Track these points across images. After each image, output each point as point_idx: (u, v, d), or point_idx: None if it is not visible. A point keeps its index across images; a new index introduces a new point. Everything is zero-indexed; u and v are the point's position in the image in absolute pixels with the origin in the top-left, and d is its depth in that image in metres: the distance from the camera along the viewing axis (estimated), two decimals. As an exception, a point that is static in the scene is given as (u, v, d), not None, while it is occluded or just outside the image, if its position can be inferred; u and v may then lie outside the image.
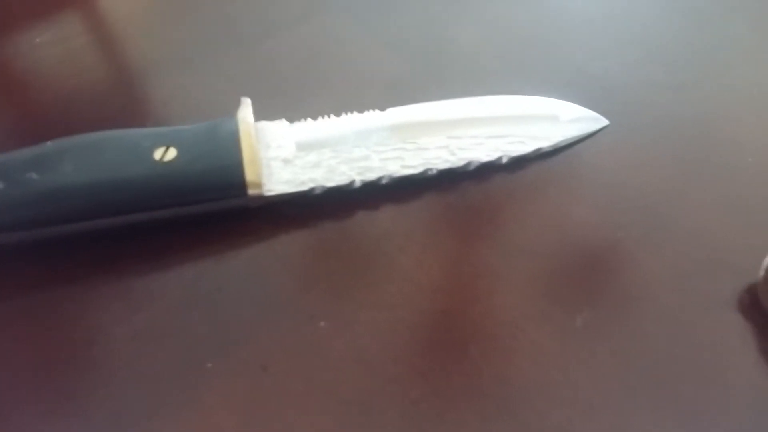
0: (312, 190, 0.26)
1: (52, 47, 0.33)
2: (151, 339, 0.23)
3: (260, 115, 0.27)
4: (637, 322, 0.24)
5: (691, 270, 0.25)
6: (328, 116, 0.28)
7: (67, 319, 0.24)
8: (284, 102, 0.30)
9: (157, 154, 0.25)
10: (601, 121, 0.30)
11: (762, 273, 0.23)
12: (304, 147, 0.27)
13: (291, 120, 0.28)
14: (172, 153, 0.25)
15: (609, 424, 0.21)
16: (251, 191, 0.25)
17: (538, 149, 0.29)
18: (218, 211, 0.26)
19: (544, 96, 0.30)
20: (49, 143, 0.25)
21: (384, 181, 0.27)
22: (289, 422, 0.22)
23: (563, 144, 0.29)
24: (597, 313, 0.24)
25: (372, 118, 0.28)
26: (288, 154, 0.27)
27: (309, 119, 0.28)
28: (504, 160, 0.28)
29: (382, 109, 0.28)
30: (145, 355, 0.23)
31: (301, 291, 0.25)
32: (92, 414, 0.22)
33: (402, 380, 0.22)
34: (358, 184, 0.27)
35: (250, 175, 0.25)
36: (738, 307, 0.24)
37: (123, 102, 0.31)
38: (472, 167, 0.28)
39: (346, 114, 0.28)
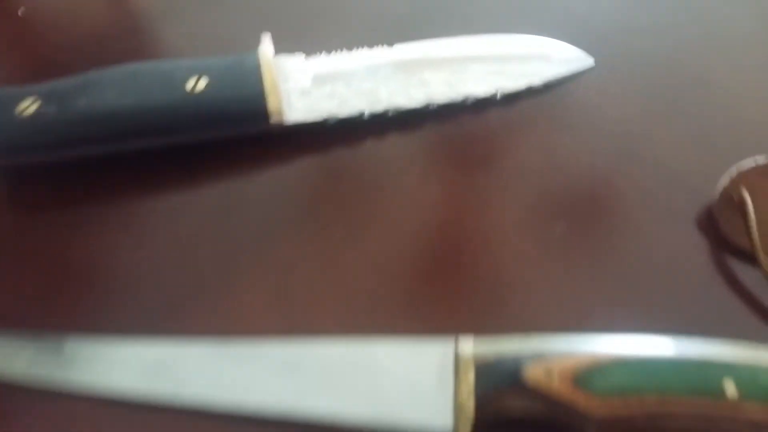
0: (326, 120, 0.30)
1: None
2: (192, 242, 0.27)
3: (279, 48, 0.30)
4: (606, 233, 0.27)
5: (656, 191, 0.28)
6: (341, 51, 0.31)
7: (116, 228, 0.27)
8: (301, 37, 0.33)
9: (189, 84, 0.28)
10: (588, 60, 0.33)
11: (717, 193, 0.27)
12: (319, 80, 0.30)
13: (307, 54, 0.31)
14: (202, 83, 0.28)
15: (577, 313, 0.25)
16: (273, 119, 0.28)
17: (530, 86, 0.32)
18: (243, 136, 0.29)
19: (537, 34, 0.33)
20: (92, 72, 0.28)
21: (390, 113, 0.30)
22: (309, 309, 0.25)
23: (553, 81, 0.32)
24: (573, 224, 0.28)
25: (381, 53, 0.31)
26: (305, 86, 0.30)
27: (324, 54, 0.31)
28: (498, 96, 0.32)
29: (390, 45, 0.31)
30: (187, 254, 0.27)
31: (318, 205, 0.28)
32: (147, 299, 0.26)
33: (405, 278, 0.26)
34: (367, 115, 0.30)
35: (271, 105, 0.28)
36: (696, 222, 0.28)
37: (151, 37, 0.34)
38: (469, 102, 0.31)
39: (358, 49, 0.31)
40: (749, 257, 0.26)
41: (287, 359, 0.24)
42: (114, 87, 0.27)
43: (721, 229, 0.27)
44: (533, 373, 0.22)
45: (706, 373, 0.21)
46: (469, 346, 0.23)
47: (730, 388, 0.21)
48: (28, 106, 0.26)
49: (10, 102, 0.26)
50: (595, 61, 0.33)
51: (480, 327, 0.24)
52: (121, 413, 0.23)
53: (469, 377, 0.22)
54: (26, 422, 0.23)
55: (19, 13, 0.35)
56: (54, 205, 0.28)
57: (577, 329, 0.23)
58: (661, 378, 0.21)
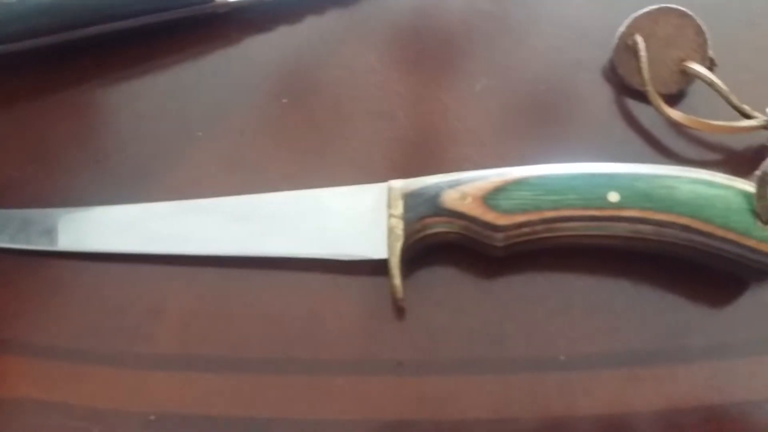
0: (266, -3, 0.32)
1: None
2: (150, 119, 0.30)
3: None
4: (521, 83, 0.31)
5: (566, 47, 0.32)
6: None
7: (82, 110, 0.30)
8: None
9: (135, -32, 0.30)
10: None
11: (616, 42, 0.30)
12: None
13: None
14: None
15: (496, 152, 0.29)
16: (215, -2, 0.31)
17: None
18: (190, 17, 0.32)
19: None
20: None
21: (334, -13, 0.33)
22: (260, 170, 0.29)
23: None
24: (492, 80, 0.31)
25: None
26: (244, -36, 0.32)
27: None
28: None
29: None
30: (148, 130, 0.30)
31: (264, 77, 0.31)
32: (115, 171, 0.29)
33: (342, 135, 0.30)
34: (306, -10, 0.33)
35: (215, -14, 0.31)
36: (600, 71, 0.31)
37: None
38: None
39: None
40: (644, 96, 0.29)
41: (243, 209, 0.28)
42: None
43: (620, 74, 0.30)
44: (450, 197, 0.26)
45: (594, 185, 0.25)
46: (399, 183, 0.27)
47: (613, 196, 0.25)
48: (-12, -1, 0.29)
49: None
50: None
51: (411, 174, 0.27)
52: (102, 268, 0.27)
53: (399, 205, 0.26)
54: (18, 283, 0.27)
55: None
56: (21, 96, 0.31)
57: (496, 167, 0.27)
58: (556, 192, 0.25)
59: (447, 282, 0.26)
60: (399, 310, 0.26)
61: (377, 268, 0.26)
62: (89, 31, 0.30)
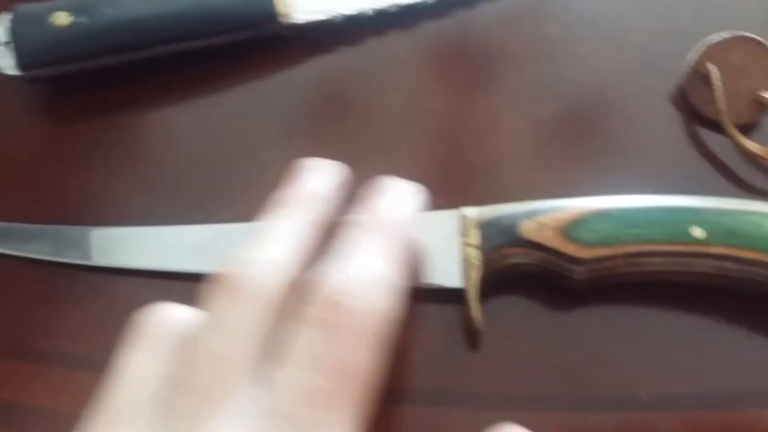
0: (332, 18, 0.32)
1: None
2: (218, 139, 0.30)
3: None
4: (590, 112, 0.31)
5: (634, 73, 0.31)
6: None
7: (151, 129, 0.30)
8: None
9: (205, -12, 0.30)
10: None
11: (687, 69, 0.30)
12: (323, -20, 0.32)
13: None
14: (216, -11, 0.30)
15: (565, 182, 0.29)
16: (281, 19, 0.31)
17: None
18: (254, 38, 0.32)
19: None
20: (115, -16, 0.30)
21: (393, 10, 0.33)
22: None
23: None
24: (561, 106, 0.31)
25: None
26: (309, -14, 0.32)
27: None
28: (489, -9, 0.34)
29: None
30: (215, 150, 0.30)
31: (330, 99, 0.31)
32: (183, 191, 0.29)
33: (411, 159, 0.30)
34: (370, 12, 0.32)
35: (279, 6, 0.31)
36: (669, 98, 0.31)
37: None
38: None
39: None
40: (717, 125, 0.29)
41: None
42: (136, -3, 0.29)
43: (691, 102, 0.30)
44: (528, 228, 0.25)
45: (677, 220, 0.25)
46: (473, 211, 0.26)
47: (698, 232, 0.24)
48: (62, 18, 0.28)
49: (44, 15, 0.29)
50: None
51: (481, 200, 0.27)
52: (167, 285, 0.27)
53: (474, 234, 0.26)
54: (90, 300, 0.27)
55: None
56: (91, 113, 0.31)
57: (566, 196, 0.26)
58: (637, 225, 0.25)
59: (523, 313, 0.26)
60: (475, 341, 0.26)
61: (451, 296, 0.26)
62: (157, 51, 0.30)
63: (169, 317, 0.21)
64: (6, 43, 0.29)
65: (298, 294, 0.20)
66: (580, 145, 0.30)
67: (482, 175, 0.29)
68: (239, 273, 0.20)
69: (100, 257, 0.28)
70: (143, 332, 0.20)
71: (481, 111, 0.31)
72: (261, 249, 0.21)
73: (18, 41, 0.29)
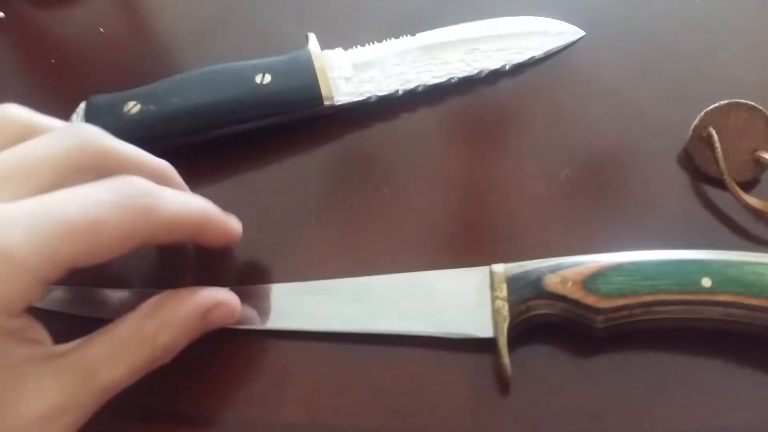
0: (368, 99, 0.36)
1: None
2: (269, 208, 0.33)
3: (322, 45, 0.36)
4: (602, 173, 0.34)
5: (641, 137, 0.35)
6: (373, 43, 0.37)
7: (208, 196, 0.34)
8: (334, 34, 0.38)
9: (257, 79, 0.34)
10: (579, 33, 0.39)
11: (690, 133, 0.33)
12: (358, 67, 0.36)
13: (345, 47, 0.37)
14: (268, 78, 0.34)
15: (582, 238, 0.32)
16: (325, 102, 0.35)
17: (532, 57, 0.38)
18: (300, 119, 0.35)
19: (536, 15, 0.39)
20: (178, 75, 0.34)
21: (420, 89, 0.37)
22: (367, 254, 0.32)
23: (551, 52, 0.39)
24: (576, 169, 0.34)
25: (407, 41, 0.37)
26: (347, 73, 0.36)
27: (358, 46, 0.37)
28: (507, 68, 0.38)
29: (413, 34, 0.38)
30: (263, 218, 0.33)
31: (367, 169, 0.35)
32: (239, 254, 0.32)
33: (442, 223, 0.33)
34: (401, 92, 0.36)
35: (323, 90, 0.35)
36: (675, 160, 0.34)
37: (217, 42, 0.41)
38: (483, 74, 0.37)
39: (386, 40, 0.37)
40: (720, 183, 0.32)
41: (357, 290, 0.30)
42: (199, 86, 0.33)
43: (696, 163, 0.33)
44: (552, 281, 0.28)
45: (687, 271, 0.27)
46: (501, 267, 0.29)
47: (706, 282, 0.27)
48: (132, 107, 0.32)
49: (118, 104, 0.33)
50: (586, 33, 0.39)
51: (506, 257, 0.30)
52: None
53: (503, 288, 0.28)
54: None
55: (101, 30, 0.41)
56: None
57: (583, 251, 0.29)
58: (651, 277, 0.27)
59: (547, 360, 0.28)
60: (505, 387, 0.28)
61: (481, 345, 0.28)
62: (215, 134, 0.34)
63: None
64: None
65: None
66: (594, 204, 0.33)
67: (507, 234, 0.32)
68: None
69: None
70: None
71: (503, 175, 0.34)
72: None
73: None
